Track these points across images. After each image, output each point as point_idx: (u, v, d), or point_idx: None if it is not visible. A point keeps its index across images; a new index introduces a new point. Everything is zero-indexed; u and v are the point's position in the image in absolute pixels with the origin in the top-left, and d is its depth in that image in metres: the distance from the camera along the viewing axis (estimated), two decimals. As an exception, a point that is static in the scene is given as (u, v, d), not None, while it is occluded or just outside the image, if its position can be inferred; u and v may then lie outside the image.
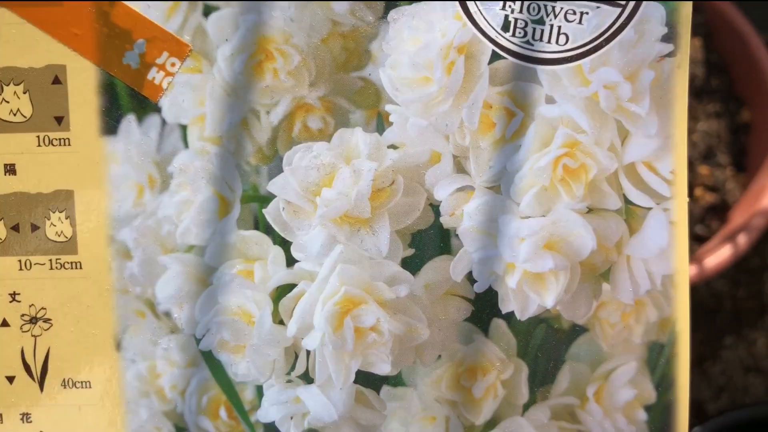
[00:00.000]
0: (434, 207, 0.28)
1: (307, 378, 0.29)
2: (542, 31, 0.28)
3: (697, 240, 0.54)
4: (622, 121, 0.28)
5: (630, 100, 0.28)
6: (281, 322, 0.28)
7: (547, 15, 0.28)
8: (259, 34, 0.28)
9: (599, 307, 0.29)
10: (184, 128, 0.28)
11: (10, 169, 0.28)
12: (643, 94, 0.28)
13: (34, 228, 0.28)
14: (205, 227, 0.28)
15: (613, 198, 0.28)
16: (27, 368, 0.29)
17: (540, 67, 0.28)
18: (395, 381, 0.29)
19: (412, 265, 0.28)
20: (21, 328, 0.29)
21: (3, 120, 0.28)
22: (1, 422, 0.29)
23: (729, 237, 0.51)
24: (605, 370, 0.29)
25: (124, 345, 0.29)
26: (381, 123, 0.28)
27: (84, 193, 0.28)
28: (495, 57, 0.28)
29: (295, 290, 0.28)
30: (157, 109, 0.28)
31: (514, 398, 0.29)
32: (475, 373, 0.29)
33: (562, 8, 0.28)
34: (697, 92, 0.56)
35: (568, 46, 0.28)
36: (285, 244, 0.28)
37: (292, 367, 0.29)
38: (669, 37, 0.28)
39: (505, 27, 0.28)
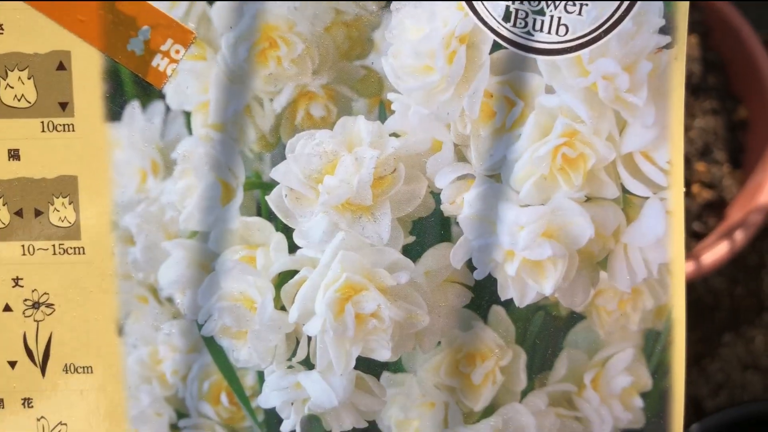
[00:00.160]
0: (435, 195, 0.29)
1: (308, 364, 0.29)
2: (542, 21, 0.28)
3: (694, 237, 0.55)
4: (620, 112, 0.29)
5: (628, 90, 0.28)
6: (283, 308, 0.29)
7: (548, 6, 0.28)
8: (262, 22, 0.28)
9: (597, 295, 0.29)
10: (187, 115, 0.28)
11: (14, 155, 0.28)
12: (640, 85, 0.28)
13: (38, 213, 0.28)
14: (207, 213, 0.29)
15: (610, 187, 0.29)
16: (29, 353, 0.29)
17: (540, 57, 0.28)
18: (395, 367, 0.29)
19: (412, 252, 0.29)
20: (23, 313, 0.29)
21: (7, 105, 0.28)
22: (3, 407, 0.29)
23: (726, 234, 0.52)
24: (602, 357, 0.30)
25: (126, 330, 0.29)
26: (383, 111, 0.28)
27: (88, 179, 0.28)
28: (496, 47, 0.28)
29: (296, 276, 0.29)
30: (161, 96, 0.28)
31: (513, 385, 0.30)
32: (474, 360, 0.29)
33: (562, 0, 0.28)
34: (693, 89, 0.56)
35: (568, 36, 0.28)
36: (287, 231, 0.29)
37: (293, 353, 0.29)
38: (666, 29, 0.28)
39: (506, 17, 0.28)
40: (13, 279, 0.29)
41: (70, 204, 0.28)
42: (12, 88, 0.28)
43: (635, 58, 0.28)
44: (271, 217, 0.29)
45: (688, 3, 0.28)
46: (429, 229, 0.29)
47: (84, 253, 0.29)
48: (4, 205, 0.28)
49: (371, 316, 0.28)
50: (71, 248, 0.29)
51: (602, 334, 0.30)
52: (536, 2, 0.28)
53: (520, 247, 0.28)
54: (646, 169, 0.29)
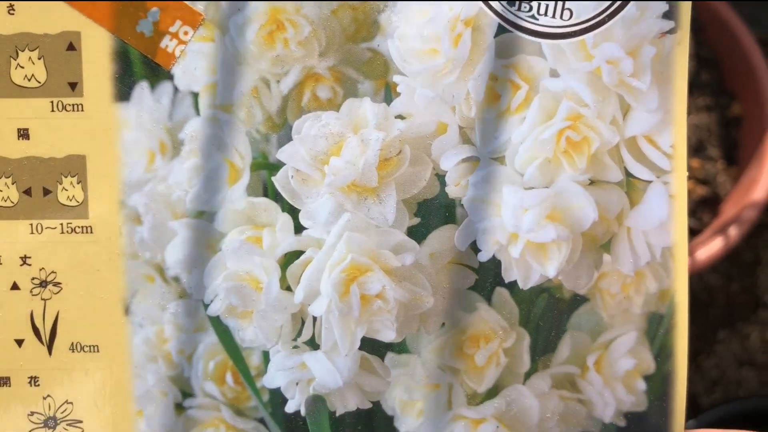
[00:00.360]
0: (440, 177, 0.29)
1: (313, 344, 0.29)
2: (547, 6, 0.29)
3: (689, 233, 0.55)
4: (624, 96, 0.29)
5: (632, 75, 0.29)
6: (288, 289, 0.29)
7: (552, -10, 0.29)
8: (270, 5, 0.28)
9: (600, 278, 0.30)
10: (195, 96, 0.29)
11: (24, 134, 0.29)
12: (644, 69, 0.29)
13: (46, 192, 0.29)
14: (214, 193, 0.29)
15: (614, 171, 0.29)
16: (36, 331, 0.29)
17: (544, 41, 0.29)
18: (399, 348, 0.30)
19: (417, 233, 0.29)
20: (31, 292, 0.29)
21: (18, 85, 0.28)
22: (9, 385, 0.30)
23: (720, 230, 0.52)
24: (605, 340, 0.30)
25: (132, 309, 0.29)
26: (389, 93, 0.29)
27: (96, 159, 0.29)
28: (501, 30, 0.29)
29: (302, 257, 0.29)
30: (170, 77, 0.29)
31: (516, 366, 0.30)
32: (477, 341, 0.30)
33: (566, -16, 0.29)
34: (687, 86, 0.57)
35: (572, 21, 0.29)
36: (293, 212, 0.29)
37: (299, 333, 0.29)
38: (670, 15, 0.29)
39: (511, 1, 0.28)
40: (21, 257, 0.29)
41: (78, 183, 0.29)
42: (22, 68, 0.28)
43: (639, 42, 0.29)
44: (277, 197, 0.29)
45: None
46: (434, 211, 0.29)
47: (92, 233, 0.29)
48: (13, 183, 0.29)
49: (376, 297, 0.29)
50: (79, 227, 0.29)
51: (605, 317, 0.30)
52: (541, -14, 0.29)
53: (524, 230, 0.29)
54: (650, 153, 0.29)
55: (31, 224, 0.29)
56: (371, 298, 0.29)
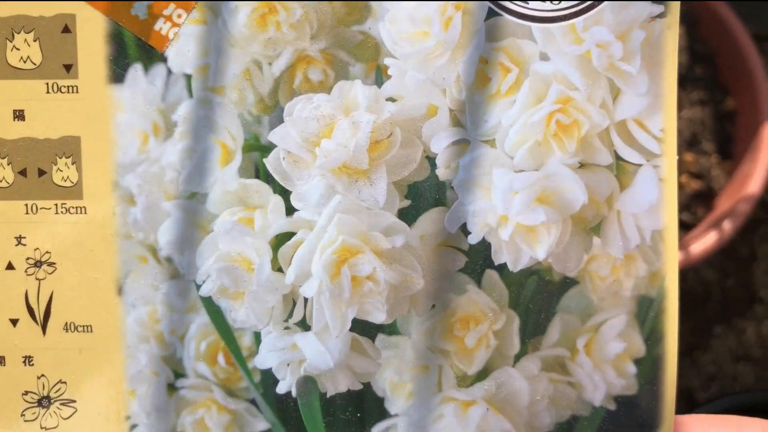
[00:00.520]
0: (430, 159, 0.29)
1: (304, 325, 0.30)
2: (537, -10, 0.29)
3: (683, 227, 0.55)
4: (614, 80, 0.29)
5: (621, 59, 0.29)
6: (280, 270, 0.29)
7: (542, -25, 0.29)
8: (263, -12, 0.29)
9: (590, 261, 0.30)
10: (188, 78, 0.29)
11: (19, 115, 0.29)
12: (634, 53, 0.29)
13: (41, 173, 0.29)
14: (207, 175, 0.29)
15: (604, 154, 0.29)
16: (30, 311, 0.30)
17: (534, 25, 0.29)
18: (390, 330, 0.30)
19: (408, 216, 0.29)
20: (26, 272, 0.30)
21: (13, 67, 0.29)
22: (4, 365, 0.30)
23: (714, 223, 0.52)
24: (595, 323, 0.30)
25: (125, 290, 0.30)
26: (380, 76, 0.29)
27: (90, 140, 0.29)
28: (491, 14, 0.29)
29: (294, 238, 0.29)
30: (163, 59, 0.29)
31: (506, 349, 0.30)
32: (467, 323, 0.30)
33: (556, -32, 0.29)
34: (681, 80, 0.57)
35: (562, 5, 0.29)
36: (285, 193, 0.29)
37: (290, 315, 0.30)
38: (660, -1, 0.29)
39: (502, -15, 0.29)
40: (16, 237, 0.30)
41: (73, 164, 0.29)
42: (18, 49, 0.29)
43: (629, 26, 0.29)
44: (269, 179, 0.29)
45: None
46: (424, 193, 0.30)
47: (86, 213, 0.29)
48: (8, 164, 0.29)
49: (367, 278, 0.29)
50: (73, 208, 0.29)
51: (595, 300, 0.30)
52: (531, -30, 0.29)
53: (514, 212, 0.29)
54: (640, 137, 0.30)
55: (26, 204, 0.30)
56: (362, 279, 0.29)
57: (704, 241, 0.52)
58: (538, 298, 0.30)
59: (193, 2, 0.29)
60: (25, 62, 0.29)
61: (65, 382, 0.30)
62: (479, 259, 0.30)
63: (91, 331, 0.30)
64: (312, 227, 0.29)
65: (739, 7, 0.57)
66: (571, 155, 0.29)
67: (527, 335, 0.30)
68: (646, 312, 0.30)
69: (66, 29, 0.29)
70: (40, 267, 0.30)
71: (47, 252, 0.30)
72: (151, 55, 0.29)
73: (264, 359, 0.30)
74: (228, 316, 0.30)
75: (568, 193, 0.29)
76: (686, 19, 0.57)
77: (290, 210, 0.30)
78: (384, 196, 0.29)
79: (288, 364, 0.30)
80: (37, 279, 0.30)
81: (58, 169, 0.29)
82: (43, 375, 0.30)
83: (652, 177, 0.30)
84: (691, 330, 0.58)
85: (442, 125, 0.29)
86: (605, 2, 0.29)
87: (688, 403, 0.57)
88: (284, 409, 0.30)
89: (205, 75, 0.29)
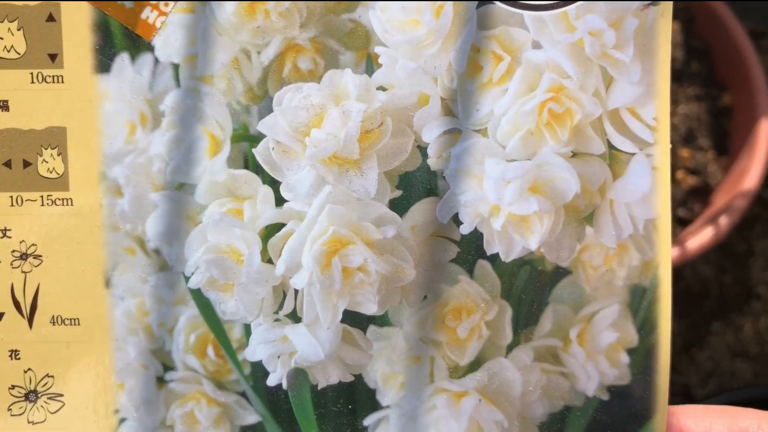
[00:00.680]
0: (422, 149, 0.29)
1: (294, 317, 0.29)
2: (529, -23, 0.29)
3: (680, 223, 0.55)
4: (607, 68, 0.29)
5: (614, 47, 0.29)
6: (270, 261, 0.29)
7: (534, -39, 0.29)
8: (251, -24, 0.28)
9: (582, 250, 0.30)
10: (176, 67, 0.29)
11: (3, 106, 0.29)
12: (627, 41, 0.29)
13: (26, 164, 0.29)
14: (195, 165, 0.29)
15: (597, 143, 0.29)
16: (16, 304, 0.29)
17: (526, 13, 0.29)
18: (381, 321, 0.30)
19: (399, 206, 0.29)
20: (11, 264, 0.29)
21: (-3, 56, 0.29)
22: (-10, 359, 0.30)
23: (711, 219, 0.53)
24: (588, 313, 0.30)
25: (113, 282, 0.30)
26: (370, 64, 0.29)
27: (76, 131, 0.29)
28: (483, 2, 0.29)
29: (283, 229, 0.29)
30: (150, 48, 0.29)
31: (498, 339, 0.30)
32: (459, 314, 0.30)
33: (548, -45, 0.29)
34: (677, 75, 0.57)
35: (555, -8, 0.29)
36: (274, 184, 0.29)
37: (280, 306, 0.30)
38: (653, -14, 0.29)
39: (493, -28, 0.29)
40: (1, 230, 0.29)
41: (58, 155, 0.29)
42: (1, 39, 0.29)
43: (621, 14, 0.29)
44: (258, 169, 0.29)
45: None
46: (416, 183, 0.29)
47: (72, 205, 0.29)
48: (-7, 155, 0.29)
49: (358, 269, 0.29)
50: (59, 199, 0.29)
51: (588, 290, 0.30)
52: (523, -43, 0.29)
53: (506, 202, 0.29)
54: (633, 126, 0.30)
55: (11, 196, 0.29)
56: (353, 270, 0.29)
57: (701, 237, 0.52)
58: (531, 288, 0.30)
59: (180, -10, 0.29)
60: (9, 52, 0.29)
61: (52, 376, 0.30)
62: (471, 250, 0.30)
63: (79, 324, 0.30)
64: (302, 218, 0.29)
65: (735, 3, 0.57)
66: (563, 144, 0.29)
67: (520, 325, 0.30)
68: (639, 301, 0.30)
69: (51, 18, 0.29)
70: (26, 259, 0.29)
71: (33, 244, 0.29)
72: (138, 44, 0.29)
73: (254, 351, 0.30)
74: (217, 308, 0.30)
75: (560, 183, 0.29)
76: (682, 15, 0.57)
77: (280, 201, 0.29)
78: (375, 186, 0.29)
79: (278, 356, 0.30)
80: (23, 272, 0.29)
81: (44, 160, 0.29)
82: (29, 369, 0.30)
83: (645, 166, 0.30)
84: (689, 326, 0.58)
85: (433, 114, 0.29)
86: (598, -11, 0.29)
87: (685, 400, 0.57)
88: (275, 401, 0.30)
89: (193, 64, 0.29)
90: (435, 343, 0.30)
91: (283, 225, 0.29)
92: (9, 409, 0.30)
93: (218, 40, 0.29)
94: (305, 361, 0.30)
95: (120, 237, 0.29)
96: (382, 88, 0.29)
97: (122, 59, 0.29)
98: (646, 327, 0.30)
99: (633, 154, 0.30)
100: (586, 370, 0.30)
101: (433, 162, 0.29)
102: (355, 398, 0.30)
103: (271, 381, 0.30)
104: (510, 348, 0.30)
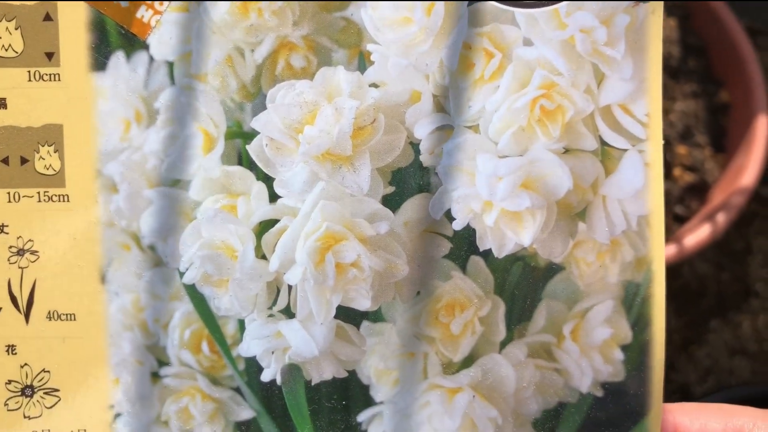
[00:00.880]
0: (414, 145, 0.30)
1: (288, 313, 0.30)
2: (520, -25, 0.29)
3: (677, 220, 0.55)
4: (598, 65, 0.29)
5: (605, 44, 0.29)
6: (264, 257, 0.30)
7: (525, -41, 0.29)
8: (244, -25, 0.29)
9: (575, 246, 0.30)
10: (170, 65, 0.29)
11: (1, 103, 0.29)
12: (618, 38, 0.29)
13: (24, 161, 0.29)
14: (189, 162, 0.30)
15: (589, 139, 0.29)
16: (13, 300, 0.30)
17: (518, 10, 0.29)
18: (375, 317, 0.30)
19: (392, 202, 0.30)
20: (8, 260, 0.30)
21: (-5, 55, 0.29)
22: (-13, 354, 0.30)
23: (708, 216, 0.53)
24: (581, 309, 0.30)
25: (108, 278, 0.30)
26: (363, 62, 0.29)
27: (73, 128, 0.29)
28: (474, -1, 0.29)
29: (277, 225, 0.29)
30: (145, 47, 0.29)
31: (492, 335, 0.30)
32: (453, 310, 0.30)
33: (539, -47, 0.29)
34: (673, 72, 0.57)
35: (545, -11, 0.29)
36: (268, 180, 0.29)
37: (274, 302, 0.30)
38: (643, -17, 0.29)
39: (484, -31, 0.29)
40: (-2, 226, 0.30)
41: (55, 152, 0.29)
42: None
43: (612, 11, 0.29)
44: (252, 166, 0.30)
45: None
46: (408, 179, 0.30)
47: (68, 201, 0.30)
48: (-10, 152, 0.29)
49: (351, 265, 0.29)
50: (56, 196, 0.29)
51: (581, 286, 0.30)
52: (513, -45, 0.29)
53: (499, 198, 0.29)
54: (625, 122, 0.30)
55: (9, 193, 0.30)
56: (346, 266, 0.29)
57: (698, 234, 0.52)
58: (524, 284, 0.30)
59: (175, -11, 0.29)
60: (6, 50, 0.29)
61: (48, 371, 0.30)
62: (464, 245, 0.30)
63: (75, 319, 0.30)
64: (295, 214, 0.29)
65: (733, 1, 0.57)
66: (555, 141, 0.29)
67: (513, 321, 0.31)
68: (633, 297, 0.30)
69: (47, 17, 0.29)
70: (22, 255, 0.30)
71: (30, 240, 0.30)
72: (133, 42, 0.29)
73: (248, 347, 0.30)
74: (212, 303, 0.30)
75: (552, 179, 0.29)
76: (679, 12, 0.58)
77: (273, 197, 0.30)
78: (368, 182, 0.29)
79: (272, 352, 0.30)
80: (19, 267, 0.30)
81: (41, 157, 0.29)
82: (26, 364, 0.30)
83: (637, 162, 0.30)
84: (687, 324, 0.58)
85: (425, 111, 0.30)
86: (588, -14, 0.29)
87: (684, 398, 0.57)
88: (269, 397, 0.30)
89: (188, 62, 0.29)
90: (428, 338, 0.30)
91: (276, 221, 0.30)
92: (5, 404, 0.30)
93: (212, 38, 0.29)
94: (299, 356, 0.30)
95: (115, 233, 0.30)
96: (374, 85, 0.29)
97: (118, 57, 0.30)
98: (640, 323, 0.30)
99: (625, 150, 0.30)
100: (579, 366, 0.31)
101: (425, 158, 0.30)
102: (348, 394, 0.31)
103: (265, 376, 0.30)
104: (503, 344, 0.31)
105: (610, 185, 0.30)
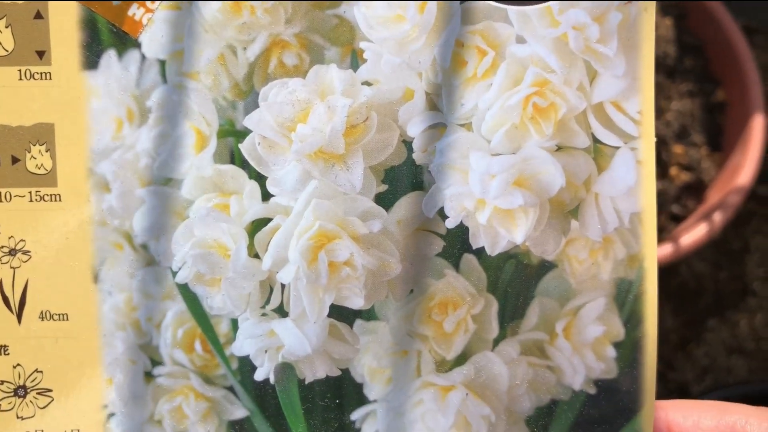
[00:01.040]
0: (407, 143, 0.30)
1: (281, 311, 0.30)
2: (513, -28, 0.29)
3: (674, 219, 0.55)
4: (591, 62, 0.29)
5: (598, 41, 0.29)
6: (256, 256, 0.30)
7: (518, -43, 0.29)
8: (236, -27, 0.29)
9: (568, 244, 0.30)
10: (162, 63, 0.29)
11: (-8, 102, 0.29)
12: (611, 35, 0.29)
13: (15, 160, 0.29)
14: (181, 161, 0.30)
15: (581, 136, 0.30)
16: (5, 300, 0.30)
17: (511, 8, 0.29)
18: (368, 315, 0.30)
19: (385, 200, 0.30)
20: (0, 260, 0.30)
21: (-15, 53, 0.29)
22: (-21, 354, 0.30)
23: (705, 215, 0.53)
24: (574, 306, 0.31)
25: (101, 277, 0.30)
26: (355, 60, 0.29)
27: (64, 127, 0.29)
28: (466, -3, 0.29)
29: (270, 224, 0.30)
30: (137, 45, 0.29)
31: (485, 333, 0.30)
32: (446, 308, 0.30)
33: (532, -49, 0.29)
34: (669, 71, 0.57)
35: (538, -13, 0.29)
36: (260, 179, 0.30)
37: (267, 301, 0.30)
38: (636, -19, 0.29)
39: (476, -33, 0.29)
40: (-10, 226, 0.30)
41: (46, 151, 0.29)
42: (-10, 36, 0.29)
43: (605, 8, 0.29)
44: (244, 165, 0.30)
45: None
46: (401, 177, 0.30)
47: (60, 200, 0.30)
48: (-19, 152, 0.29)
49: (344, 264, 0.29)
50: (48, 195, 0.30)
51: (574, 283, 0.31)
52: (506, -47, 0.29)
53: (492, 196, 0.29)
54: (617, 119, 0.30)
55: (0, 192, 0.30)
56: (339, 265, 0.29)
57: (695, 233, 0.52)
58: (517, 282, 0.31)
59: (167, -13, 0.29)
60: (-3, 49, 0.29)
61: (41, 371, 0.30)
62: (457, 243, 0.30)
63: (67, 319, 0.30)
64: (288, 213, 0.29)
65: (729, 0, 0.58)
66: (548, 138, 0.29)
67: (506, 319, 0.31)
68: (625, 295, 0.31)
69: (38, 15, 0.29)
70: (14, 255, 0.30)
71: (22, 240, 0.30)
72: (125, 40, 0.29)
73: (241, 346, 0.30)
74: (204, 302, 0.30)
75: (545, 177, 0.29)
76: (675, 11, 0.58)
77: (266, 195, 0.30)
78: (361, 180, 0.29)
79: (266, 351, 0.30)
80: (11, 267, 0.30)
81: (32, 156, 0.29)
82: (18, 364, 0.30)
83: (629, 159, 0.30)
84: (684, 323, 0.58)
85: (418, 109, 0.30)
86: (581, -16, 0.29)
87: (681, 396, 0.57)
88: (262, 396, 0.30)
89: (179, 60, 0.29)
90: (421, 337, 0.30)
91: (269, 220, 0.30)
92: (-2, 404, 0.30)
93: (204, 36, 0.29)
94: (292, 355, 0.30)
95: (108, 232, 0.30)
96: (367, 83, 0.30)
97: (109, 56, 0.30)
98: (632, 320, 0.31)
99: (618, 147, 0.30)
100: (572, 363, 0.31)
101: (418, 156, 0.30)
102: (342, 393, 0.31)
103: (259, 375, 0.30)
104: (496, 342, 0.31)
105: (603, 183, 0.30)
